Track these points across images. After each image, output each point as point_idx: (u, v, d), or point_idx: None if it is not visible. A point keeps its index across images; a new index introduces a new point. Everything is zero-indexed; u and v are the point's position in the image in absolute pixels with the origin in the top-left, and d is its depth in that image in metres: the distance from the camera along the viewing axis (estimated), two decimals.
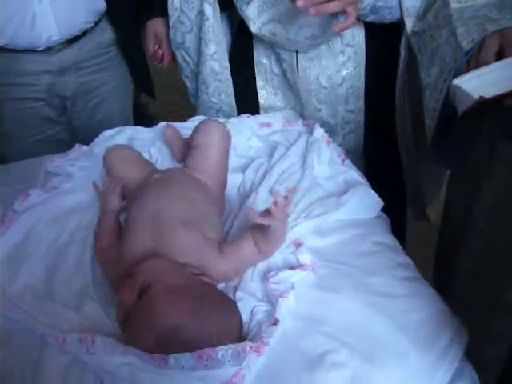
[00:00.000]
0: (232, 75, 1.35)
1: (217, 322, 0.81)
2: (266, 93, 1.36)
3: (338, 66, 1.26)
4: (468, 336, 0.83)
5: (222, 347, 0.76)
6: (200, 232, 0.93)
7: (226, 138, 1.13)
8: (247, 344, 0.77)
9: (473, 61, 0.95)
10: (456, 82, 0.91)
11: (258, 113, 1.36)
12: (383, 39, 1.24)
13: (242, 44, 1.36)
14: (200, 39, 1.30)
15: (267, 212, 0.88)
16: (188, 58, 1.38)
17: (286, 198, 0.88)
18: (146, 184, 1.04)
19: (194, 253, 0.91)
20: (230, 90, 1.35)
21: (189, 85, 1.45)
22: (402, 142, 1.29)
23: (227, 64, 1.33)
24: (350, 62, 1.26)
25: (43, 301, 0.92)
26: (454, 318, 0.84)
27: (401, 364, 0.77)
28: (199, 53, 1.33)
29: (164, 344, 0.78)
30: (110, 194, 1.08)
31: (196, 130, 1.14)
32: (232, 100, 1.36)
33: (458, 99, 0.94)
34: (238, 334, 0.83)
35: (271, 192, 1.04)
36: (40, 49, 1.39)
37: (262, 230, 0.90)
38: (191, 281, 0.87)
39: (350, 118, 1.30)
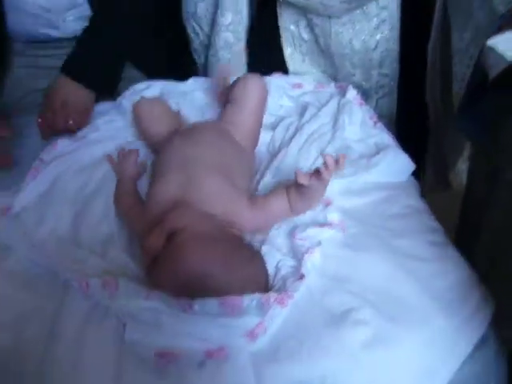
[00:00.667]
0: (257, 44, 1.32)
1: (244, 273, 0.81)
2: (293, 59, 1.34)
3: (372, 29, 1.23)
4: (494, 305, 0.82)
5: (248, 296, 0.76)
6: (230, 182, 0.93)
7: (265, 94, 1.11)
8: (272, 295, 0.77)
9: (505, 23, 0.92)
10: (490, 42, 0.88)
11: None
12: (418, 1, 1.21)
13: (266, 12, 1.32)
14: (215, 8, 1.27)
15: (315, 172, 0.86)
16: (198, 29, 1.35)
17: (337, 161, 0.86)
18: (175, 134, 1.03)
19: (224, 202, 0.90)
20: (243, 63, 1.33)
21: (196, 58, 1.42)
22: (432, 106, 1.27)
23: (243, 36, 1.30)
24: (384, 25, 1.23)
25: (69, 247, 0.92)
26: (480, 286, 0.83)
27: (425, 326, 0.76)
28: (212, 23, 1.30)
29: (189, 290, 0.78)
30: (125, 163, 1.05)
31: (235, 83, 1.12)
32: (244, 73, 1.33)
33: (490, 63, 0.91)
34: (264, 287, 0.83)
35: (300, 151, 1.03)
36: None
37: (299, 189, 0.89)
38: (220, 231, 0.86)
39: (384, 81, 1.28)
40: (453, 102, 1.06)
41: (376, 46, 1.25)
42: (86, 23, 1.27)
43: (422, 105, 1.27)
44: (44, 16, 1.27)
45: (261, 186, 1.01)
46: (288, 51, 1.33)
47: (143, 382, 0.74)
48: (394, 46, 1.25)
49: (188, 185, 0.91)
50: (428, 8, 1.19)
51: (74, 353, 0.77)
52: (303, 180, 0.86)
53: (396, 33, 1.24)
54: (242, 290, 0.78)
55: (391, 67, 1.27)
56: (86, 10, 1.27)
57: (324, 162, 0.85)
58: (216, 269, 0.80)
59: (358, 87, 1.25)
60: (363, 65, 1.27)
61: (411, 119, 1.30)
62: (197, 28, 1.35)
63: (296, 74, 1.32)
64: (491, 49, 0.88)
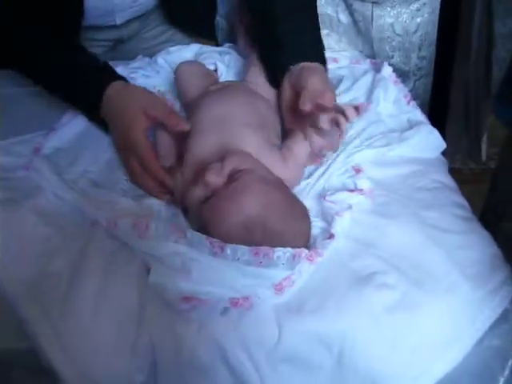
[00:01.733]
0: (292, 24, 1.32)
1: (296, 226, 0.83)
2: (330, 40, 1.33)
3: (414, 12, 1.24)
4: None
5: (280, 249, 0.77)
6: (266, 138, 0.93)
7: None
8: (303, 251, 0.78)
9: None
10: None
11: None
12: None
13: None
14: None
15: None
16: None
17: (356, 109, 0.87)
18: (209, 92, 1.04)
19: (263, 158, 0.89)
20: None
21: (221, 24, 1.40)
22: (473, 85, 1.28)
23: None
24: (425, 8, 1.24)
25: (102, 188, 0.93)
26: (506, 264, 0.84)
27: (450, 294, 0.77)
28: None
29: (240, 234, 0.79)
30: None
31: None
32: None
33: None
34: (307, 240, 0.84)
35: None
36: None
37: (318, 133, 0.91)
38: (277, 181, 0.87)
39: (423, 64, 1.30)
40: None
41: (416, 29, 1.26)
42: None
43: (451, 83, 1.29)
44: None
45: None
46: (324, 32, 1.33)
47: (165, 323, 0.75)
48: (434, 29, 1.26)
49: (227, 143, 0.91)
50: None
51: (97, 291, 0.78)
52: (325, 124, 0.87)
53: (436, 16, 1.25)
54: (290, 244, 0.79)
55: (429, 50, 1.28)
56: None
57: (343, 111, 0.86)
58: (276, 214, 0.80)
59: (396, 69, 1.25)
60: (403, 47, 1.27)
61: (442, 100, 1.31)
62: None
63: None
64: None
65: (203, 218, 0.82)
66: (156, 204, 0.91)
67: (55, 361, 0.74)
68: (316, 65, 0.98)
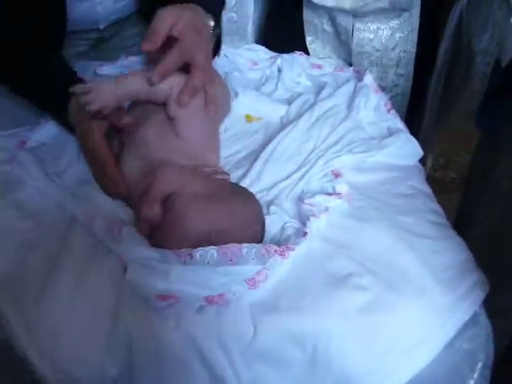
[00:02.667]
0: (279, 32, 1.35)
1: (244, 215, 0.84)
2: (314, 46, 1.36)
3: (393, 29, 1.27)
4: (488, 288, 0.84)
5: (247, 245, 0.79)
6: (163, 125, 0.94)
7: None
8: (272, 246, 0.80)
9: None
10: None
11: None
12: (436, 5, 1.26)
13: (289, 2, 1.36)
14: None
15: None
16: None
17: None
18: None
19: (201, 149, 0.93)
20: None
21: None
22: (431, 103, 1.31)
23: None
24: (404, 26, 1.27)
25: (84, 184, 0.94)
26: (477, 269, 0.86)
27: (423, 297, 0.78)
28: None
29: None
30: None
31: None
32: None
33: (508, 45, 0.94)
34: (262, 219, 0.87)
35: (312, 127, 1.05)
36: None
37: None
38: (210, 182, 0.88)
39: (399, 81, 1.32)
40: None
41: (395, 46, 1.28)
42: None
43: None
44: None
45: (274, 155, 1.01)
46: (309, 39, 1.36)
47: (142, 319, 0.75)
48: (412, 48, 1.29)
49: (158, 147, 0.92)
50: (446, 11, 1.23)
51: (73, 285, 0.79)
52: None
53: (415, 35, 1.28)
54: (248, 230, 0.82)
55: (407, 68, 1.31)
56: None
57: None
58: (220, 224, 0.82)
59: None
60: (380, 63, 1.30)
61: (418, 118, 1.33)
62: None
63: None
64: None
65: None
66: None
67: (29, 352, 0.74)
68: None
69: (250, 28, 1.45)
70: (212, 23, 0.99)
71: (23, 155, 0.97)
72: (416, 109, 1.38)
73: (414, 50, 1.29)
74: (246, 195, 0.89)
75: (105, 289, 0.79)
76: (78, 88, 0.89)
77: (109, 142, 0.93)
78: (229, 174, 0.95)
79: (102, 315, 0.76)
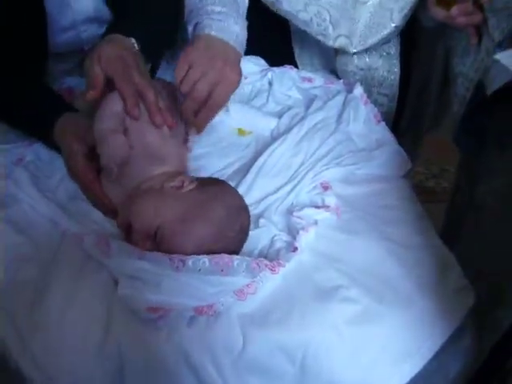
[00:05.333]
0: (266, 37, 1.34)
1: (226, 214, 0.87)
2: (302, 57, 1.37)
3: (378, 49, 1.27)
4: (475, 298, 0.86)
5: (238, 257, 0.81)
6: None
7: None
8: (263, 261, 0.81)
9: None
10: (497, 56, 0.94)
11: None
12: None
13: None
14: None
15: None
16: None
17: None
18: None
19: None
20: None
21: None
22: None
23: None
24: (387, 46, 1.28)
25: (76, 200, 0.95)
26: (463, 278, 0.87)
27: (409, 308, 0.80)
28: None
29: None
30: None
31: None
32: None
33: (493, 75, 0.96)
34: (243, 204, 0.91)
35: (302, 140, 1.06)
36: None
37: None
38: (182, 198, 0.88)
39: (383, 101, 1.32)
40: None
41: (378, 66, 1.29)
42: None
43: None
44: None
45: (264, 168, 1.01)
46: (297, 51, 1.37)
47: (134, 331, 0.76)
48: (396, 68, 1.29)
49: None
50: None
51: (65, 298, 0.80)
52: None
53: (397, 56, 1.29)
54: (235, 226, 0.86)
55: (391, 89, 1.31)
56: None
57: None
58: (208, 237, 0.84)
59: None
60: (365, 81, 1.30)
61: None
62: None
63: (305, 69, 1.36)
64: (496, 61, 0.93)
65: None
66: None
67: (22, 364, 0.75)
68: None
69: None
70: (135, 43, 1.02)
71: (19, 172, 0.98)
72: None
73: (397, 70, 1.30)
74: (217, 191, 0.90)
75: (96, 302, 0.80)
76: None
77: (91, 164, 0.95)
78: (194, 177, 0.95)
79: (93, 328, 0.77)
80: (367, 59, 1.28)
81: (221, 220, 0.86)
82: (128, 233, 0.87)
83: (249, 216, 0.90)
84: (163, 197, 0.89)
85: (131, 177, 0.93)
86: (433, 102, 1.41)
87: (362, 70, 1.29)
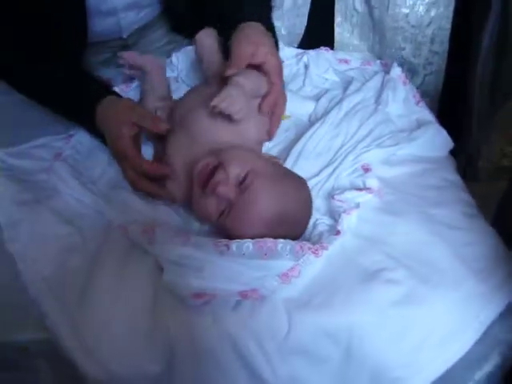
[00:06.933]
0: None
1: (305, 197, 0.89)
2: (342, 30, 1.35)
3: (429, 5, 1.25)
4: None
5: (282, 241, 0.80)
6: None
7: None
8: (306, 244, 0.81)
9: None
10: None
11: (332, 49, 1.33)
12: None
13: None
14: None
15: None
16: None
17: None
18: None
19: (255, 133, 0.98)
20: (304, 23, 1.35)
21: None
22: (477, 94, 1.28)
23: None
24: (440, 2, 1.25)
25: (117, 189, 0.97)
26: (510, 259, 0.85)
27: (456, 289, 0.79)
28: None
29: (268, 232, 0.82)
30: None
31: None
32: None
33: None
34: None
35: (341, 122, 1.05)
36: None
37: None
38: (272, 165, 0.91)
39: (434, 59, 1.29)
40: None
41: (430, 22, 1.26)
42: None
43: (465, 87, 1.29)
44: None
45: (303, 153, 1.01)
46: (338, 20, 1.34)
47: (181, 317, 0.78)
48: (447, 24, 1.26)
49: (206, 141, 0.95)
50: None
51: (113, 286, 0.82)
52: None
53: (450, 12, 1.25)
54: (307, 212, 0.88)
55: (442, 45, 1.28)
56: None
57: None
58: (290, 206, 0.85)
59: (406, 62, 1.28)
60: (415, 40, 1.28)
61: (454, 99, 1.31)
62: None
63: (342, 46, 1.34)
64: None
65: (226, 229, 0.86)
66: (167, 208, 0.95)
67: (73, 351, 0.78)
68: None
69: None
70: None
71: (58, 165, 1.00)
72: (459, 94, 1.35)
73: (449, 26, 1.27)
74: (301, 179, 0.92)
75: (143, 289, 0.81)
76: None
77: (139, 146, 0.98)
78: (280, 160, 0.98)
79: (141, 315, 0.79)
80: (419, 16, 1.25)
81: (306, 200, 0.88)
82: (205, 184, 0.86)
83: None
84: (256, 155, 0.92)
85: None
86: None
87: (413, 26, 1.26)
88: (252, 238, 0.81)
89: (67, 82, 1.04)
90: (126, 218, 0.91)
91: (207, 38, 1.13)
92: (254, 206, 0.83)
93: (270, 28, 1.06)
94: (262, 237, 0.81)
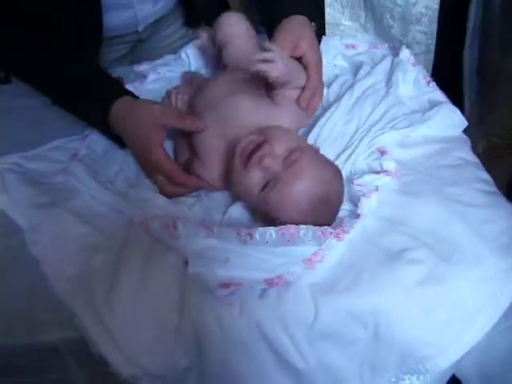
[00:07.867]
0: None
1: (340, 181, 0.90)
2: (332, 10, 1.34)
3: None
4: None
5: (304, 227, 0.81)
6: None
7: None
8: (328, 229, 0.82)
9: None
10: None
11: (324, 30, 1.33)
12: None
13: None
14: None
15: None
16: None
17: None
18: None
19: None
20: None
21: None
22: (467, 76, 1.28)
23: None
24: None
25: (136, 188, 0.98)
26: None
27: (477, 266, 0.79)
28: None
29: (311, 211, 0.84)
30: (176, 103, 1.09)
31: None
32: None
33: None
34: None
35: (353, 107, 1.05)
36: None
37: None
38: (311, 147, 0.92)
39: (421, 39, 1.28)
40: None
41: (416, 2, 1.25)
42: None
43: (458, 67, 1.28)
44: None
45: (318, 140, 1.02)
46: (327, 1, 1.34)
47: (207, 309, 0.78)
48: (434, 4, 1.24)
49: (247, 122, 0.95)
50: None
51: (138, 282, 0.82)
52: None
53: None
54: (341, 197, 0.89)
55: (430, 26, 1.26)
56: None
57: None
58: (331, 187, 0.86)
59: (395, 41, 1.27)
60: (403, 18, 1.26)
61: (446, 85, 1.31)
62: None
63: (333, 25, 1.33)
64: None
65: (267, 205, 0.85)
66: (188, 201, 0.96)
67: (103, 349, 0.79)
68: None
69: None
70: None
71: (75, 166, 1.01)
72: (454, 76, 1.34)
73: (436, 6, 1.24)
74: (337, 166, 0.93)
75: (169, 283, 0.82)
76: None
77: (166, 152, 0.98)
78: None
79: (168, 309, 0.80)
80: None
81: (342, 187, 0.89)
82: (248, 159, 0.86)
83: None
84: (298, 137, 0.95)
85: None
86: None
87: (399, 6, 1.25)
88: (291, 216, 0.82)
89: (81, 80, 1.04)
90: (147, 214, 0.91)
91: (233, 21, 1.13)
92: (301, 180, 0.83)
93: (313, 16, 1.07)
94: (300, 215, 0.82)
